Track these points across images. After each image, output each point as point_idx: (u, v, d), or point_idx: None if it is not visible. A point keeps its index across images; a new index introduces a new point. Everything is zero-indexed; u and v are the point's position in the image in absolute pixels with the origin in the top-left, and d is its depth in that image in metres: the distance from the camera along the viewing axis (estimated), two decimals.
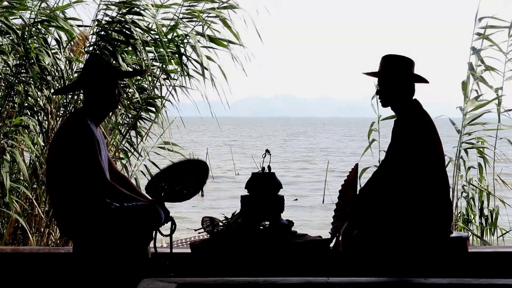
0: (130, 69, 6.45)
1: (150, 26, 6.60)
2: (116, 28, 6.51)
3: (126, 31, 6.43)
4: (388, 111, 4.64)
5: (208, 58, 6.74)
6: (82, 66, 5.23)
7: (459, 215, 7.22)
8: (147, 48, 6.62)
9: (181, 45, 6.69)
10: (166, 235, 4.12)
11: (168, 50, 6.60)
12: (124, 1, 6.58)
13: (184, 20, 6.79)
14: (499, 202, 7.35)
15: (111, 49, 6.40)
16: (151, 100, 6.74)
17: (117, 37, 6.50)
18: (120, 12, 6.57)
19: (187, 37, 6.67)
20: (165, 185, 4.09)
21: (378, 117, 7.23)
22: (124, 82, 6.41)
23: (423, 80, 4.20)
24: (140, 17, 6.56)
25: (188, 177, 4.15)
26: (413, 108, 4.14)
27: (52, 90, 6.31)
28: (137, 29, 6.43)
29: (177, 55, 6.63)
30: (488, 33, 7.27)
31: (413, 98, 4.19)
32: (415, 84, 4.20)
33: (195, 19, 6.79)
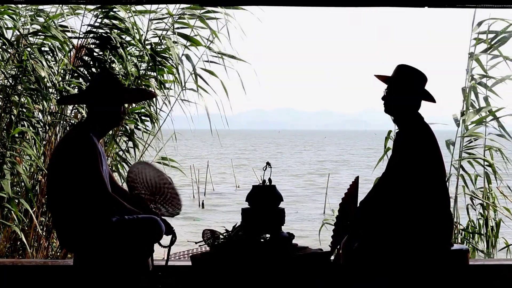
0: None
1: (128, 27, 6.61)
2: (100, 35, 6.53)
3: (109, 35, 6.46)
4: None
5: (211, 72, 6.73)
6: (91, 79, 5.22)
7: (465, 226, 7.10)
8: (138, 58, 6.63)
9: (167, 53, 6.68)
10: (165, 247, 4.11)
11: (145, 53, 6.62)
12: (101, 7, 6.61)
13: (169, 24, 6.77)
14: (501, 212, 7.27)
15: (99, 57, 6.43)
16: (145, 111, 6.74)
17: (100, 43, 6.52)
18: (99, 17, 6.59)
19: (163, 39, 6.65)
20: (144, 194, 4.13)
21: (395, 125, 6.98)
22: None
23: (430, 99, 4.20)
24: (119, 22, 6.62)
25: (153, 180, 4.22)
26: (415, 120, 4.15)
27: (49, 101, 6.31)
28: (116, 30, 6.46)
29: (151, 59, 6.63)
30: (487, 38, 6.96)
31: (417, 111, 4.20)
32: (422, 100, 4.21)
33: (167, 19, 6.77)
